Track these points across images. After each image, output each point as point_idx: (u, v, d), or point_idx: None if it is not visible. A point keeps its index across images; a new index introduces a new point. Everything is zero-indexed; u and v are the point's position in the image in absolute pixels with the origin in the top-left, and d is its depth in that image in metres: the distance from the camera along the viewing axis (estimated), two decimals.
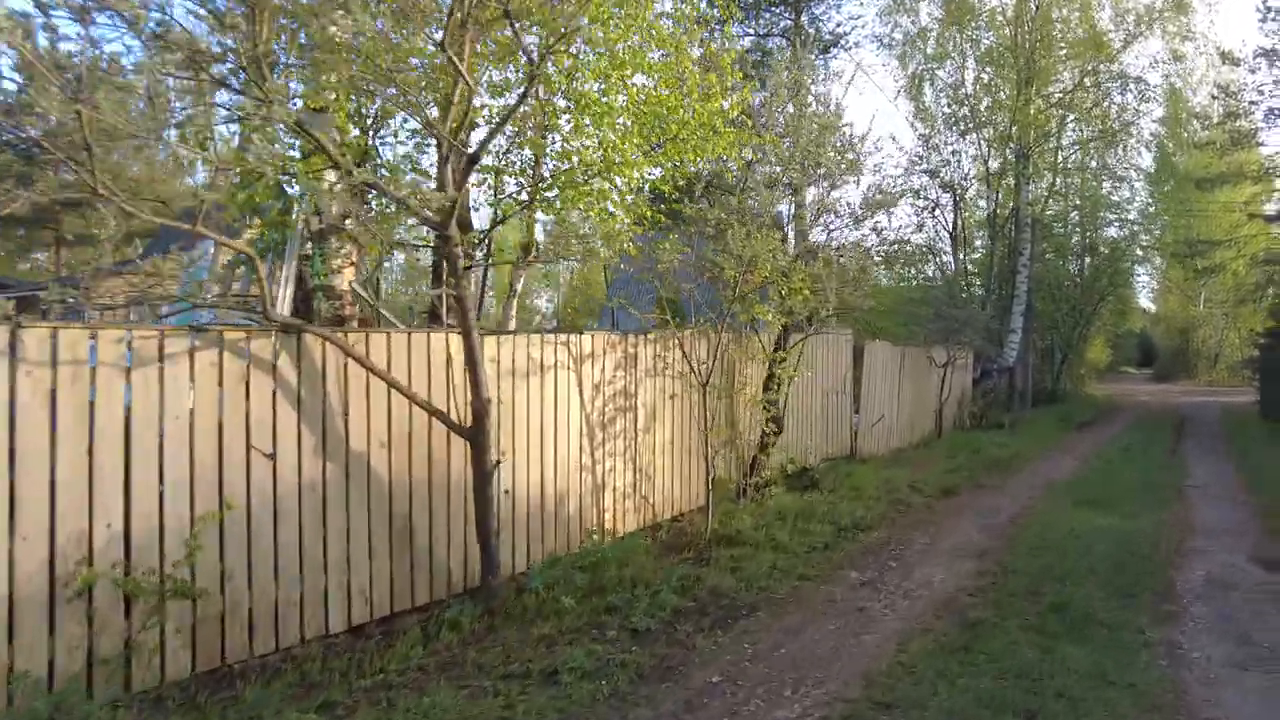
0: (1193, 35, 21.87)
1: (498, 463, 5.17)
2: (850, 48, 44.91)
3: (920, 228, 22.71)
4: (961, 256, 22.49)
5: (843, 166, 8.72)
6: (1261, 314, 39.02)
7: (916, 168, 21.33)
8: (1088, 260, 28.59)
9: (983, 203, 22.91)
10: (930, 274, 22.68)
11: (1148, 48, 49.12)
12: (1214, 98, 30.21)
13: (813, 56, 11.67)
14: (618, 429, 6.95)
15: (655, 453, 7.40)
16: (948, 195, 21.35)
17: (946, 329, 14.85)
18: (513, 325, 10.26)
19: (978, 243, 24.16)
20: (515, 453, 5.78)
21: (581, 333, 6.76)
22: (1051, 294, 25.10)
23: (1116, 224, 25.03)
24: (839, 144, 8.71)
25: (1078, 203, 24.34)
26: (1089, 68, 19.11)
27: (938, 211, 21.99)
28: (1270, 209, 27.24)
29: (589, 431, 6.56)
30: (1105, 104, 19.90)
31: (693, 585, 5.63)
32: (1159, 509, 8.40)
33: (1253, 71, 29.59)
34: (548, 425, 6.12)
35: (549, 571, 5.46)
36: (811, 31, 19.80)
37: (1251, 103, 29.62)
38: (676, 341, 7.47)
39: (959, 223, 21.20)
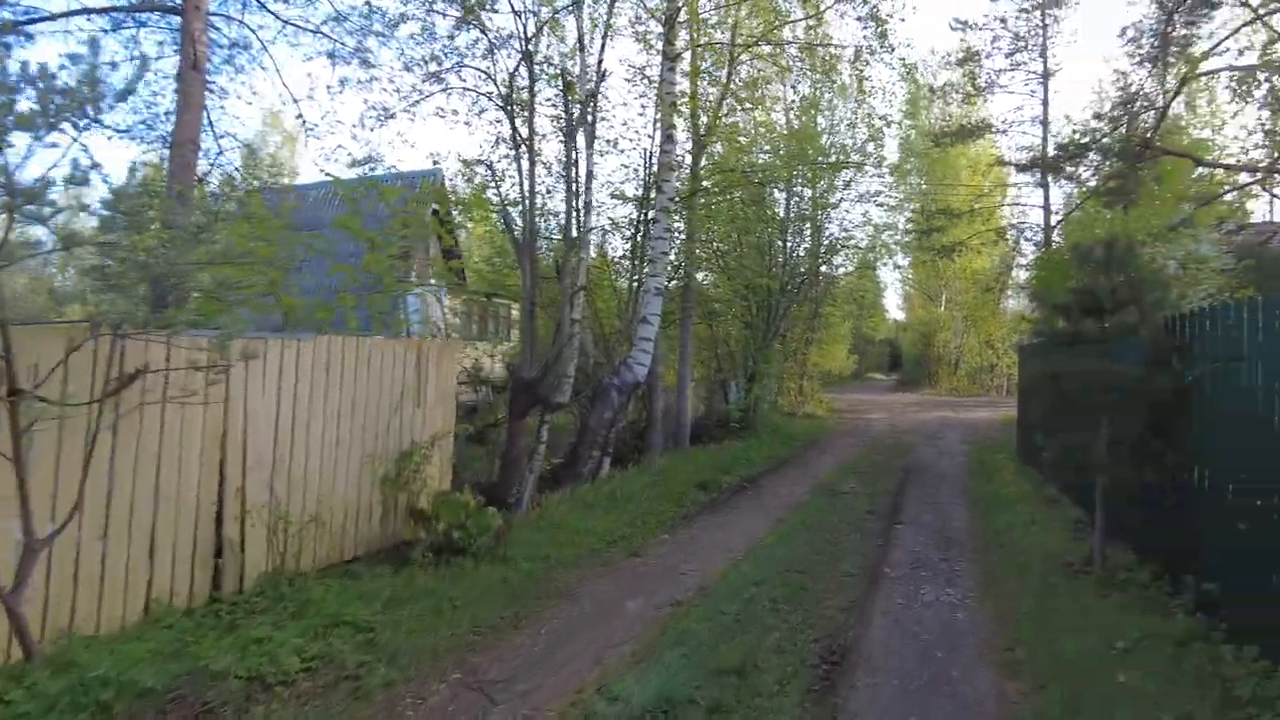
0: None
1: None
2: None
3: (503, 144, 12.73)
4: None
5: None
6: (1003, 315, 34.20)
7: None
8: (804, 236, 20.04)
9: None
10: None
11: None
12: (952, 29, 23.38)
13: None
14: None
15: None
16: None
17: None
18: None
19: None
20: None
21: None
22: (729, 271, 16.00)
23: (822, 162, 16.36)
24: None
25: (761, 128, 15.36)
26: None
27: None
28: (1019, 157, 20.28)
29: None
30: None
31: None
32: None
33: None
34: None
35: None
36: None
37: (995, 37, 23.12)
38: None
39: (526, 128, 11.01)
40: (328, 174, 10.30)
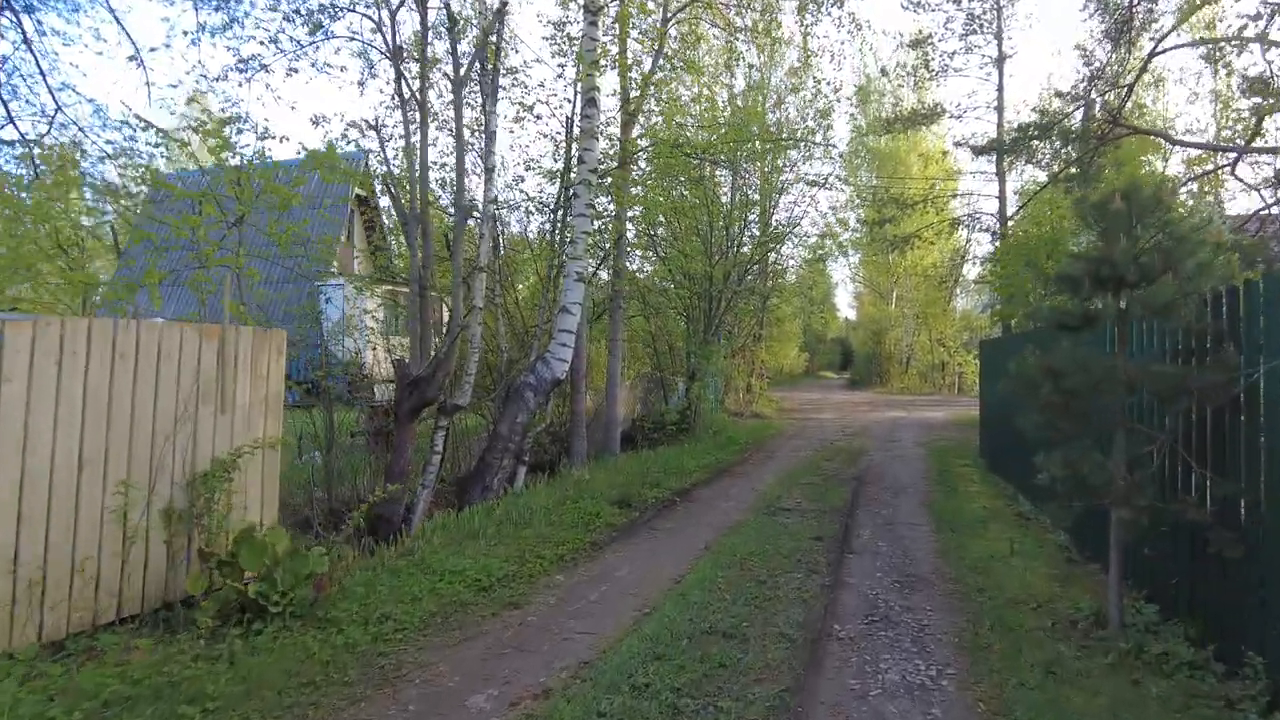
0: None
1: None
2: None
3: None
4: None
5: None
6: (953, 313, 33.51)
7: None
8: (750, 224, 18.55)
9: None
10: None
11: None
12: (904, 9, 22.15)
13: None
14: None
15: None
16: None
17: None
18: None
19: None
20: None
21: None
22: (666, 258, 14.46)
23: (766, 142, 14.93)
24: None
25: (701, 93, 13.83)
26: None
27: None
28: (976, 142, 19.19)
29: None
30: None
31: None
32: None
33: None
34: None
35: None
36: None
37: (948, 18, 22.03)
38: None
39: (419, 80, 9.25)
40: (162, 131, 8.39)
